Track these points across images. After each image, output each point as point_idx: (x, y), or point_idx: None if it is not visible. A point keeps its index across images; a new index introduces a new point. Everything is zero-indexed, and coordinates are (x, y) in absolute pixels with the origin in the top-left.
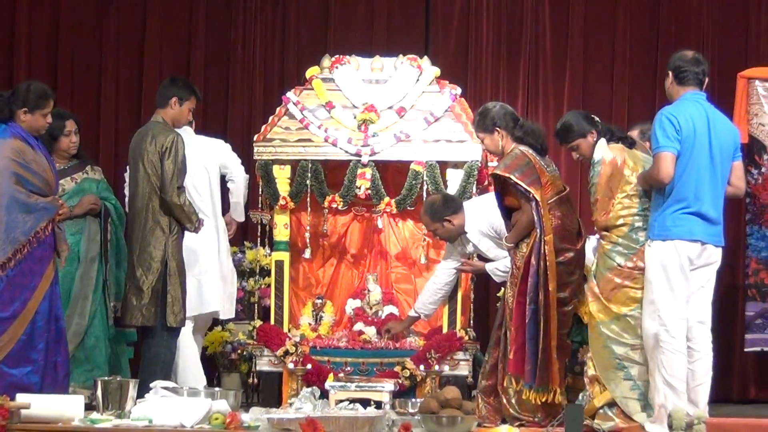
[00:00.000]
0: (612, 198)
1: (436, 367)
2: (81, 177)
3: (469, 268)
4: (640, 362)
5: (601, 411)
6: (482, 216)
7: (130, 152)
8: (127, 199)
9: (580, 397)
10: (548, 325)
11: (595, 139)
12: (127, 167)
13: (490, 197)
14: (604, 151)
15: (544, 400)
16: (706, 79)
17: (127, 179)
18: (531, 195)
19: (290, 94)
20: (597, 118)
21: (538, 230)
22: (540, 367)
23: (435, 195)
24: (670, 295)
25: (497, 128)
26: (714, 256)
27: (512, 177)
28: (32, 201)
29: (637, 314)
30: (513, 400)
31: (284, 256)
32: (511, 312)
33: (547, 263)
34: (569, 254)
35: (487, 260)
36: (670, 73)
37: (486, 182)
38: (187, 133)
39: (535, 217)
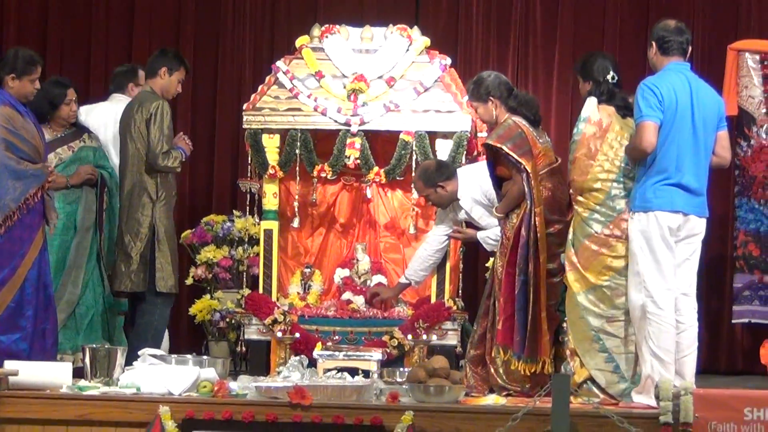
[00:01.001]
0: (591, 159)
1: (424, 337)
2: (78, 145)
3: (461, 236)
4: (615, 335)
5: (585, 386)
6: (475, 183)
7: (120, 121)
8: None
9: (562, 367)
10: (538, 296)
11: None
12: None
13: (483, 165)
14: (591, 111)
15: (533, 371)
16: (690, 48)
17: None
18: (522, 166)
19: (280, 63)
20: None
21: (528, 202)
22: (529, 338)
23: (428, 161)
24: (655, 266)
25: (491, 97)
26: (698, 227)
27: (504, 147)
28: (22, 168)
29: (613, 284)
30: (501, 370)
31: (273, 225)
32: (500, 282)
33: (537, 235)
34: (559, 226)
35: (478, 228)
36: (654, 44)
37: (475, 152)
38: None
39: (526, 189)
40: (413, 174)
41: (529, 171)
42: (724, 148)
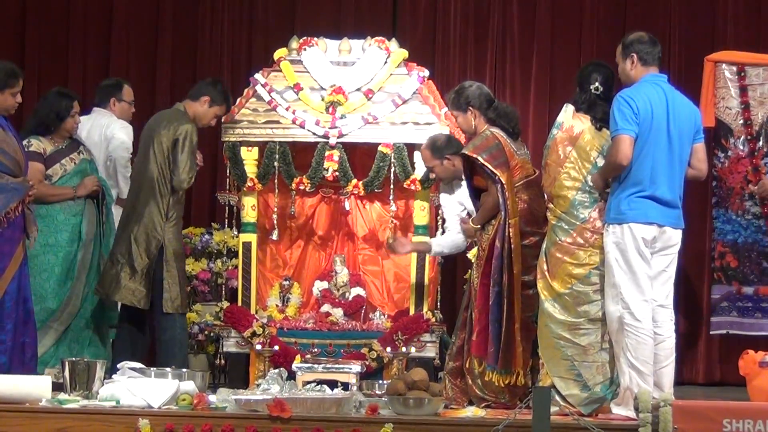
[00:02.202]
0: (560, 166)
1: (403, 349)
2: (79, 157)
3: (465, 226)
4: (577, 343)
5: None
6: None
7: (144, 132)
8: (129, 176)
9: (538, 378)
10: (512, 308)
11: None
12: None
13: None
14: (566, 117)
15: (507, 382)
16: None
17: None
18: (497, 177)
19: (258, 76)
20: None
21: (503, 213)
22: (503, 349)
23: (437, 134)
24: (631, 277)
25: (471, 107)
26: (674, 238)
27: (479, 158)
28: (3, 181)
29: (575, 292)
30: (478, 381)
31: (252, 237)
32: (476, 293)
33: (512, 246)
34: (534, 238)
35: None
36: (634, 56)
37: None
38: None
39: (500, 200)
40: (391, 186)
41: (504, 182)
42: (700, 160)
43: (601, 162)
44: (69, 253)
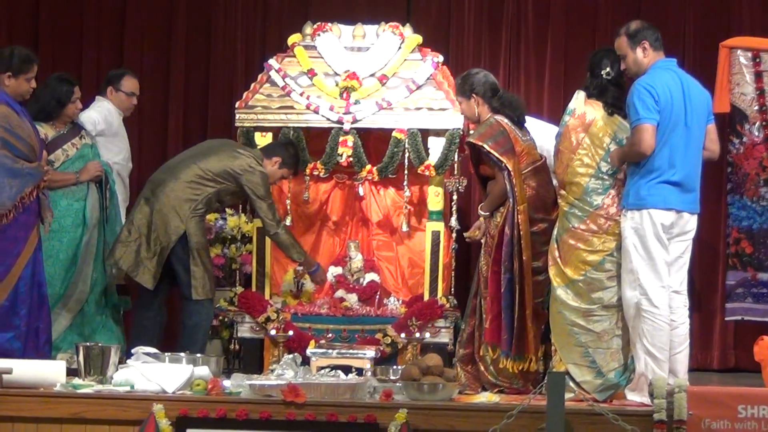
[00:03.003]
0: (572, 153)
1: (417, 335)
2: (80, 142)
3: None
4: (591, 329)
5: None
6: (538, 132)
7: (212, 141)
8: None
9: (551, 364)
10: (523, 294)
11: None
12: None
13: (546, 126)
14: (578, 104)
15: (520, 368)
16: None
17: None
18: (503, 164)
19: (272, 61)
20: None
21: (510, 200)
22: (516, 335)
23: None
24: (649, 263)
25: (474, 94)
26: (690, 224)
27: (485, 146)
28: (18, 166)
29: (588, 279)
30: (491, 368)
31: None
32: (486, 281)
33: (521, 232)
34: (543, 224)
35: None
36: (646, 43)
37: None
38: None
39: (508, 187)
40: (406, 172)
41: (511, 169)
42: (712, 141)
43: (614, 147)
44: (73, 239)
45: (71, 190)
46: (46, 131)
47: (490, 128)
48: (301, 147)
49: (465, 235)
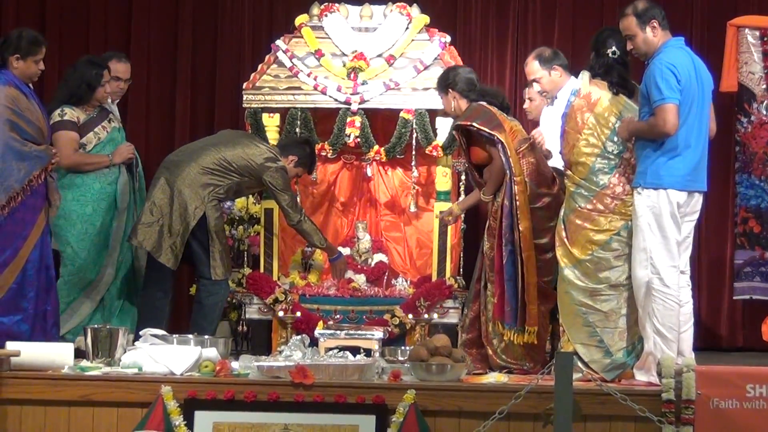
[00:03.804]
0: (578, 133)
1: (426, 315)
2: (110, 126)
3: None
4: (599, 309)
5: None
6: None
7: (230, 133)
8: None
9: (559, 345)
10: (523, 266)
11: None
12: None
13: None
14: (583, 84)
15: (525, 341)
16: None
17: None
18: (495, 137)
19: (279, 42)
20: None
21: (507, 172)
22: (521, 307)
23: (543, 47)
24: (663, 242)
25: (450, 89)
26: (699, 203)
27: (474, 124)
28: (26, 149)
29: (595, 258)
30: (499, 350)
31: (274, 204)
32: (491, 262)
33: (517, 203)
34: (546, 199)
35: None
36: (655, 22)
37: None
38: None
39: (503, 159)
40: (413, 152)
41: (504, 141)
42: (712, 119)
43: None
44: (106, 222)
45: (103, 173)
46: (78, 115)
47: (474, 111)
48: (309, 128)
49: (436, 214)
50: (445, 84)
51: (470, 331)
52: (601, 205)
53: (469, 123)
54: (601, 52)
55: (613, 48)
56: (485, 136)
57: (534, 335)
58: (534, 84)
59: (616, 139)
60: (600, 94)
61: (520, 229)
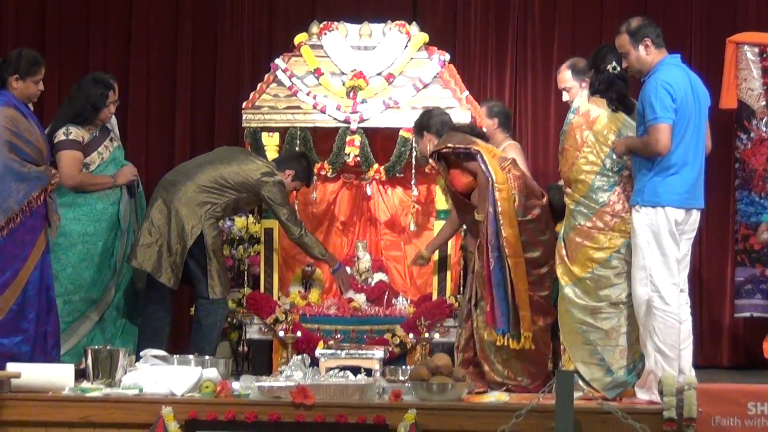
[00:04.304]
0: (578, 150)
1: (426, 334)
2: (112, 145)
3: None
4: (599, 327)
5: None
6: None
7: (223, 151)
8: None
9: (560, 363)
10: (510, 272)
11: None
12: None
13: None
14: (581, 101)
15: (520, 347)
16: None
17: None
18: (473, 149)
19: (279, 61)
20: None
21: (489, 179)
22: (512, 312)
23: (578, 57)
24: (662, 260)
25: (425, 131)
26: (697, 220)
27: (449, 145)
28: (26, 170)
29: (596, 276)
30: (497, 367)
31: (274, 223)
32: (482, 279)
33: (500, 209)
34: (536, 211)
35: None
36: (648, 40)
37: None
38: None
39: (483, 168)
40: (413, 171)
41: (481, 150)
42: (708, 136)
43: None
44: (108, 242)
45: (106, 193)
46: (83, 134)
47: (447, 136)
48: (308, 147)
49: (408, 264)
50: (420, 127)
51: (466, 350)
52: (600, 222)
53: (442, 146)
54: (601, 68)
55: (613, 63)
56: (462, 154)
57: (530, 341)
58: (563, 93)
59: (615, 156)
60: (599, 111)
61: (504, 234)
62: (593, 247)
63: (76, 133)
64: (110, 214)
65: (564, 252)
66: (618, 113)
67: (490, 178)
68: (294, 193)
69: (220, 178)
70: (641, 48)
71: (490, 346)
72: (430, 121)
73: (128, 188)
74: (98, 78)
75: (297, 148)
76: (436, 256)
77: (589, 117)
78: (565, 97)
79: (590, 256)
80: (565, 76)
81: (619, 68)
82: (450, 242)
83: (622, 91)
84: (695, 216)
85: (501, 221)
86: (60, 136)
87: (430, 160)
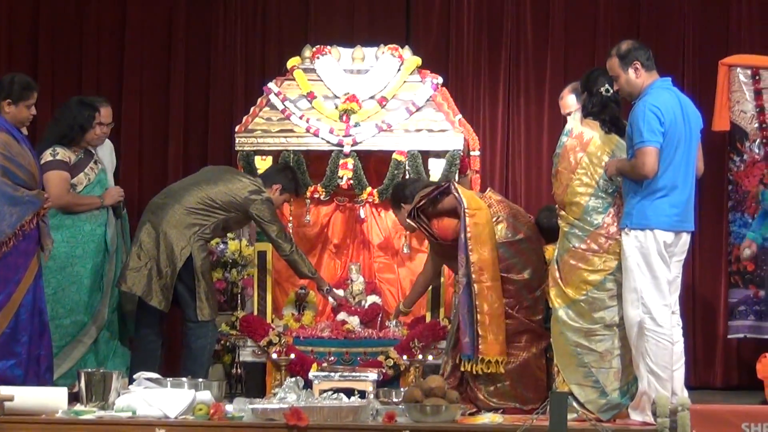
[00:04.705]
0: (571, 173)
1: (420, 356)
2: (97, 167)
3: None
4: (594, 349)
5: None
6: None
7: (209, 171)
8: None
9: (554, 385)
10: (476, 297)
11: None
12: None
13: None
14: (575, 124)
15: (487, 371)
16: None
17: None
18: (443, 184)
19: (271, 85)
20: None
21: (461, 205)
22: (479, 337)
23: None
24: (653, 282)
25: (403, 203)
26: (687, 243)
27: (419, 195)
28: (19, 194)
29: (590, 298)
30: (487, 392)
31: (267, 246)
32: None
33: (469, 235)
34: (525, 230)
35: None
36: (638, 63)
37: (468, 171)
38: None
39: (455, 195)
40: None
41: (454, 183)
42: (699, 159)
43: None
44: (96, 264)
45: (93, 214)
46: (69, 155)
47: (418, 195)
48: (302, 170)
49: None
50: (397, 200)
51: (450, 378)
52: (595, 245)
53: (416, 200)
54: (594, 91)
55: (606, 86)
56: (437, 195)
57: (499, 365)
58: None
59: (606, 177)
60: (592, 133)
61: (472, 260)
62: (588, 270)
63: (63, 153)
64: (98, 235)
65: (558, 274)
66: (611, 135)
67: (461, 205)
68: (288, 215)
69: (208, 198)
70: (631, 71)
71: (481, 374)
72: (405, 192)
73: (113, 209)
74: (84, 100)
75: None
76: None
77: (583, 139)
78: (571, 123)
79: (585, 279)
80: (569, 102)
81: (611, 90)
82: (444, 267)
83: (614, 113)
84: (685, 238)
85: (470, 246)
86: (47, 156)
87: (412, 223)
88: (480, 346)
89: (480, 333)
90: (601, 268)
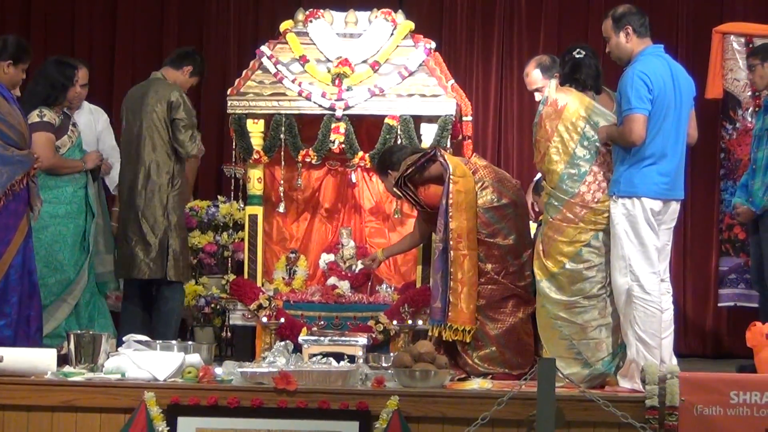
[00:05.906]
0: (548, 141)
1: (410, 322)
2: (77, 130)
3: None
4: (574, 321)
5: None
6: None
7: (129, 106)
8: (120, 153)
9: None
10: (452, 264)
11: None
12: (123, 122)
13: None
14: (551, 91)
15: (455, 338)
16: None
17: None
18: (429, 150)
19: (264, 48)
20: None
21: (447, 171)
22: (451, 303)
23: (542, 55)
24: (641, 250)
25: (390, 170)
26: (676, 211)
27: (406, 163)
28: (8, 153)
29: (567, 271)
30: (476, 358)
31: (258, 210)
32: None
33: (451, 201)
34: (510, 194)
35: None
36: (629, 28)
37: (460, 137)
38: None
39: (441, 160)
40: None
41: (440, 150)
42: (693, 127)
43: (589, 132)
44: (78, 225)
45: (74, 177)
46: (54, 117)
47: (404, 163)
48: (293, 134)
49: (360, 263)
50: (384, 167)
51: (437, 343)
52: (570, 213)
53: (403, 169)
54: (567, 58)
55: (578, 50)
56: (425, 163)
57: (467, 334)
58: (536, 94)
59: (586, 143)
60: (566, 99)
61: (451, 226)
62: (563, 241)
63: (50, 115)
64: (80, 197)
65: (540, 247)
66: (585, 98)
67: (447, 171)
68: (279, 179)
69: (160, 140)
70: (622, 35)
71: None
72: (392, 158)
73: (91, 173)
74: (61, 59)
75: (282, 135)
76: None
77: (557, 106)
78: (538, 97)
79: (561, 251)
80: (535, 77)
81: (584, 53)
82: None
83: (589, 73)
84: (674, 207)
85: (450, 213)
86: (34, 117)
87: (398, 191)
88: (450, 313)
89: (451, 300)
90: (576, 239)
